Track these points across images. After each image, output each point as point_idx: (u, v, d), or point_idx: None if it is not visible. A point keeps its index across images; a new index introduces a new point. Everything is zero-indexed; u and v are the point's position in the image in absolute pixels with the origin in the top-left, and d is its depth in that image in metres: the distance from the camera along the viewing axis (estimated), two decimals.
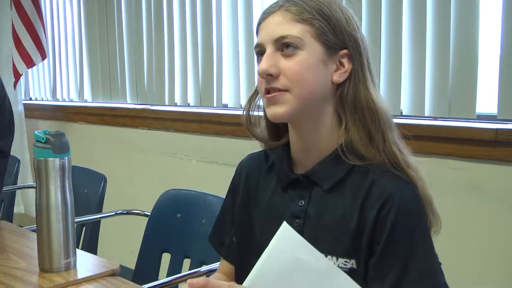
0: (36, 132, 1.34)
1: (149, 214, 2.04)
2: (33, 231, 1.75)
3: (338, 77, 1.14)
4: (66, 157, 1.34)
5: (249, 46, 2.59)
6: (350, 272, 1.10)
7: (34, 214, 3.77)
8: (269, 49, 1.13)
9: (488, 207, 1.85)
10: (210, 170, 2.79)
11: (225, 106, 2.74)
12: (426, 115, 2.03)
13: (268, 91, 1.14)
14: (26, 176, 3.74)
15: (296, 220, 1.17)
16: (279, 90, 1.12)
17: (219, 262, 1.67)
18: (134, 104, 3.29)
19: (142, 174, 3.22)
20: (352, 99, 1.14)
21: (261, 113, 1.26)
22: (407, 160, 1.13)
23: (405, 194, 1.09)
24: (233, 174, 1.37)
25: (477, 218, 1.86)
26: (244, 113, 1.26)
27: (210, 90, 2.78)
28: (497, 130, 1.81)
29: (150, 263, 1.94)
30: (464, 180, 1.90)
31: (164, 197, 2.01)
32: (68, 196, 1.35)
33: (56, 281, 1.28)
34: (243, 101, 2.64)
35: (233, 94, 2.68)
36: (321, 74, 1.13)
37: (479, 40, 1.89)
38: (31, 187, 3.26)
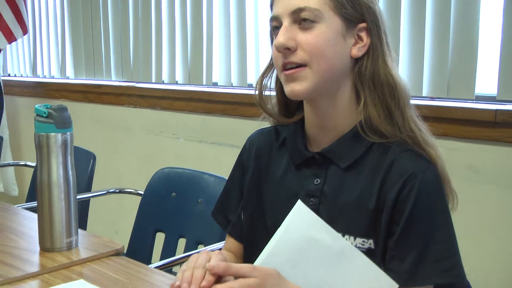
0: (37, 106, 1.29)
1: (142, 193, 2.01)
2: (27, 209, 1.71)
3: (357, 51, 1.11)
4: (68, 132, 1.30)
5: (240, 21, 2.53)
6: (368, 252, 1.08)
7: (14, 193, 3.70)
8: (285, 22, 1.10)
9: (486, 188, 1.85)
10: (199, 149, 2.75)
11: (215, 85, 2.69)
12: (424, 95, 2.01)
13: (285, 66, 1.10)
14: (5, 154, 3.64)
15: (312, 199, 1.15)
16: (297, 64, 1.09)
17: (217, 243, 1.65)
18: (119, 81, 3.21)
19: (128, 154, 3.16)
20: (371, 74, 1.11)
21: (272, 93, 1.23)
22: (426, 137, 1.12)
23: (426, 174, 1.07)
24: (233, 153, 1.33)
25: (475, 199, 1.86)
26: (257, 88, 1.23)
27: (200, 68, 2.73)
28: (496, 111, 1.80)
29: (144, 243, 1.91)
30: (462, 161, 1.89)
31: (158, 175, 1.97)
32: (70, 173, 1.31)
33: (59, 260, 1.24)
34: (234, 80, 2.59)
35: (224, 72, 2.63)
36: (340, 48, 1.10)
37: (480, 19, 1.87)
38: (16, 165, 3.18)
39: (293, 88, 1.09)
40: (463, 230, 1.85)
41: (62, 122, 1.28)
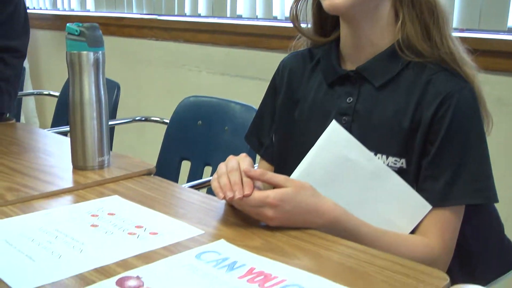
0: (68, 24, 1.28)
1: (168, 121, 2.01)
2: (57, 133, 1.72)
3: None
4: (100, 51, 1.29)
5: None
6: (400, 172, 1.08)
7: (35, 125, 3.71)
8: None
9: None
10: (222, 82, 2.74)
11: (239, 17, 2.66)
12: (454, 26, 1.97)
13: None
14: (26, 86, 3.65)
15: (344, 118, 1.14)
16: None
17: None
18: (140, 14, 3.18)
19: (150, 87, 3.15)
20: None
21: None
22: (463, 57, 1.10)
23: (463, 93, 1.06)
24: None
25: (503, 132, 1.84)
26: (293, 7, 1.20)
27: (223, 0, 2.69)
28: None
29: (170, 171, 1.92)
30: (492, 94, 1.87)
31: (184, 104, 1.96)
32: (102, 92, 1.30)
33: (92, 178, 1.25)
34: (259, 12, 2.55)
35: (248, 4, 2.59)
36: None
37: None
38: (40, 94, 3.20)
39: (332, 2, 1.07)
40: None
41: (94, 40, 1.27)
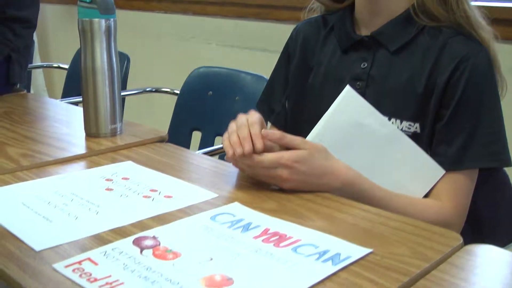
0: None
1: (178, 92, 2.01)
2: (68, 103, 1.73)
3: None
4: (112, 19, 1.29)
5: None
6: (413, 137, 1.08)
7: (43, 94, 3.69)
8: None
9: None
10: (231, 54, 2.73)
11: None
12: None
13: None
14: (35, 59, 3.66)
15: (358, 83, 1.14)
16: None
17: None
18: None
19: (159, 60, 3.15)
20: None
21: None
22: (480, 20, 1.09)
23: (479, 57, 1.05)
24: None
25: None
26: None
27: None
28: None
29: (180, 141, 1.92)
30: (503, 64, 1.85)
31: (194, 74, 1.96)
32: (114, 60, 1.31)
33: (105, 144, 1.26)
34: None
35: None
36: None
37: None
38: (50, 67, 3.20)
39: None
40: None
41: (106, 7, 1.27)
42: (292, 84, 1.26)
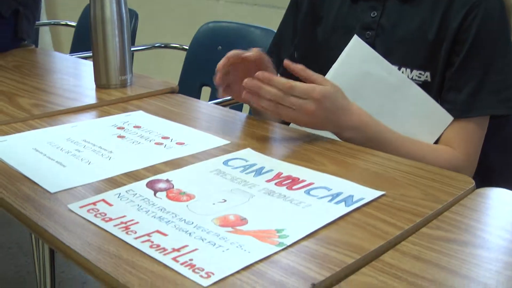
0: None
1: (187, 47, 2.00)
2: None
3: None
4: None
5: None
6: (424, 85, 1.08)
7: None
8: None
9: None
10: (240, 11, 2.71)
11: None
12: None
13: None
14: (42, 17, 3.64)
15: (368, 32, 1.13)
16: None
17: None
18: None
19: (166, 17, 3.12)
20: None
21: None
22: None
23: (491, 2, 1.04)
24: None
25: None
26: None
27: None
28: None
29: (190, 96, 1.91)
30: None
31: (203, 29, 1.95)
32: (123, 10, 1.29)
33: (115, 95, 1.26)
34: None
35: None
36: None
37: None
38: (57, 24, 3.19)
39: None
40: None
41: None
42: (301, 34, 1.25)
